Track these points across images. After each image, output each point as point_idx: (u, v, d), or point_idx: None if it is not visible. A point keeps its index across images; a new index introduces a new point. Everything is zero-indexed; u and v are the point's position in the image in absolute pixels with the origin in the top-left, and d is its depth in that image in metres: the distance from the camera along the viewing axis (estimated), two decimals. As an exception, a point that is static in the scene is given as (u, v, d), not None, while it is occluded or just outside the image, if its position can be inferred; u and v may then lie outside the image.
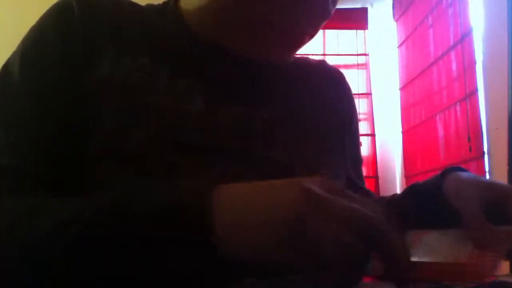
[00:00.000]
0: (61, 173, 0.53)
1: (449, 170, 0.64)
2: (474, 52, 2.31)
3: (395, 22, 3.28)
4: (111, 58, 0.57)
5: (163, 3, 0.68)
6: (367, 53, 3.31)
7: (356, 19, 3.30)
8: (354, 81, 3.15)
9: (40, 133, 0.54)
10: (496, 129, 2.12)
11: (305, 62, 0.76)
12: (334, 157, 0.67)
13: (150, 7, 0.66)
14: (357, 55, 3.28)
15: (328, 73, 0.76)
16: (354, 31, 3.33)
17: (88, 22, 0.58)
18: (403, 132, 3.06)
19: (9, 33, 2.52)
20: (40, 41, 0.58)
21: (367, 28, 3.33)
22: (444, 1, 2.61)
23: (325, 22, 0.64)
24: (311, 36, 0.64)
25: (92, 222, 0.42)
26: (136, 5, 0.65)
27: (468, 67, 2.34)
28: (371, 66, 3.28)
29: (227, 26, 0.61)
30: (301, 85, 0.70)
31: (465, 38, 2.37)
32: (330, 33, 3.28)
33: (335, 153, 0.68)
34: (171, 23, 0.64)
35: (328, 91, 0.73)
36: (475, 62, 2.30)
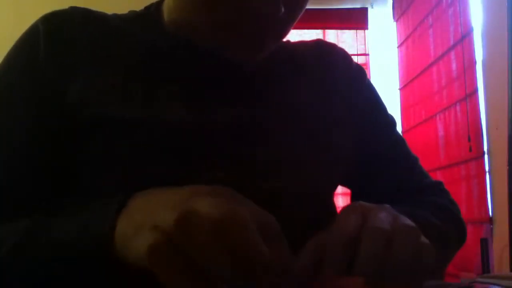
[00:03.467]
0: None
1: None
2: (474, 52, 2.30)
3: (395, 22, 3.28)
4: (83, 81, 0.57)
5: (145, 7, 0.67)
6: (367, 53, 3.31)
7: (356, 19, 3.30)
8: (354, 81, 3.14)
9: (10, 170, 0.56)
10: (496, 129, 2.12)
11: (300, 46, 0.72)
12: (328, 153, 0.63)
13: (130, 15, 0.66)
14: (357, 55, 3.28)
15: (324, 53, 0.72)
16: (354, 31, 3.32)
17: (56, 49, 0.58)
18: (403, 132, 3.05)
19: (9, 33, 2.52)
20: (6, 80, 0.59)
21: (367, 28, 3.32)
22: (444, 1, 2.61)
23: (306, 4, 0.60)
24: (294, 21, 0.61)
25: (6, 254, 0.46)
26: (111, 16, 0.64)
27: (468, 67, 2.33)
28: (371, 66, 3.28)
29: (205, 36, 0.59)
30: (295, 75, 0.67)
31: (465, 38, 2.37)
32: (330, 33, 3.28)
33: (328, 148, 0.64)
34: (150, 29, 0.63)
35: (324, 73, 0.69)
36: (475, 62, 2.30)
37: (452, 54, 2.49)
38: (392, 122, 0.76)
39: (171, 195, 0.40)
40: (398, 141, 0.75)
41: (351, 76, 0.72)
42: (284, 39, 0.64)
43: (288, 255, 0.39)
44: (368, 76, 0.75)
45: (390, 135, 0.74)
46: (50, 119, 0.56)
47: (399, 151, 0.74)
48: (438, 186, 0.75)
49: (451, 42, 2.50)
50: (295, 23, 0.61)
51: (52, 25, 0.59)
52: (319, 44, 0.73)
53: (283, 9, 0.55)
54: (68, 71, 0.57)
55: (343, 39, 3.30)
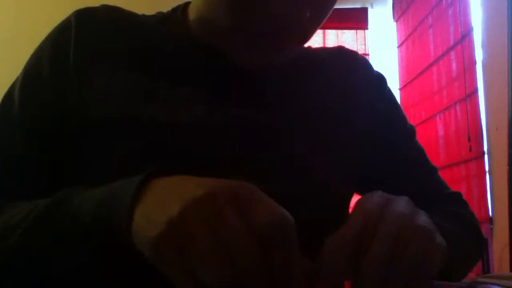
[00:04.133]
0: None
1: None
2: (474, 52, 2.31)
3: (395, 22, 3.28)
4: (106, 74, 0.58)
5: (172, 9, 0.68)
6: (367, 53, 3.31)
7: (356, 19, 3.31)
8: (354, 81, 3.15)
9: (25, 162, 0.57)
10: (496, 129, 2.12)
11: (321, 52, 0.72)
12: (340, 158, 0.63)
13: (156, 15, 0.67)
14: (357, 55, 3.28)
15: (344, 59, 0.71)
16: (354, 31, 3.33)
17: (85, 41, 0.59)
18: (403, 132, 3.05)
19: (9, 32, 2.52)
20: (35, 72, 0.60)
21: (367, 28, 3.33)
22: (444, 1, 2.61)
23: (332, 9, 0.60)
24: (319, 25, 0.60)
25: (28, 231, 0.46)
26: (138, 16, 0.65)
27: (468, 67, 2.34)
28: (371, 66, 3.28)
29: (227, 39, 0.59)
30: (313, 80, 0.67)
31: (465, 38, 2.37)
32: (330, 33, 3.28)
33: (341, 154, 0.63)
34: (175, 31, 0.64)
35: (344, 79, 0.69)
36: (475, 62, 2.30)
37: (452, 54, 2.50)
38: (412, 130, 0.75)
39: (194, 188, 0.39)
40: (418, 150, 0.74)
41: (372, 84, 0.72)
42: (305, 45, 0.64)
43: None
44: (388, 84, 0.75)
45: (409, 144, 0.74)
46: (66, 116, 0.57)
47: (418, 160, 0.74)
48: (457, 197, 0.74)
49: (451, 42, 2.50)
50: (320, 26, 0.61)
51: (84, 19, 0.61)
52: (340, 51, 0.73)
53: (308, 14, 0.55)
54: (92, 67, 0.58)
55: (343, 39, 3.30)
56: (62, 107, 0.57)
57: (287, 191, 0.56)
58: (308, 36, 0.61)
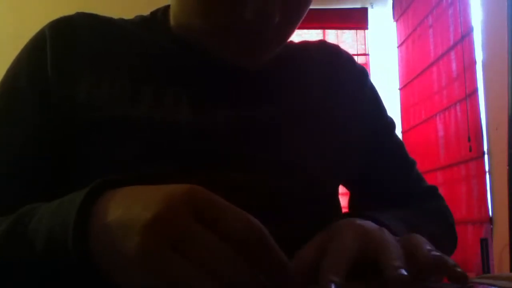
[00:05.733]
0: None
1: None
2: (474, 52, 2.31)
3: (395, 22, 3.28)
4: (89, 82, 0.57)
5: (151, 13, 0.68)
6: (367, 53, 3.31)
7: (356, 19, 3.30)
8: (354, 81, 3.15)
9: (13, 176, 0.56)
10: (496, 129, 2.12)
11: (304, 47, 0.72)
12: (331, 153, 0.63)
13: (134, 20, 0.67)
14: (357, 55, 3.28)
15: (328, 54, 0.72)
16: (354, 31, 3.33)
17: (62, 55, 0.58)
18: (403, 132, 3.06)
19: (9, 33, 2.52)
20: (12, 86, 0.59)
21: (367, 28, 3.33)
22: (444, 1, 2.61)
23: (308, 8, 0.60)
24: (295, 26, 0.61)
25: None
26: (115, 21, 0.65)
27: (468, 67, 2.34)
28: (371, 66, 3.28)
29: (208, 40, 0.59)
30: (299, 75, 0.67)
31: (465, 38, 2.37)
32: (330, 33, 3.28)
33: (332, 148, 0.64)
34: (156, 34, 0.64)
35: (329, 73, 0.69)
36: (475, 62, 2.30)
37: (452, 54, 2.50)
38: (392, 124, 0.76)
39: (150, 196, 0.38)
40: (397, 144, 0.75)
41: (355, 77, 0.72)
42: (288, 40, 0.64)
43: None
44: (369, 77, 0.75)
45: (389, 138, 0.75)
46: (54, 126, 0.56)
47: (397, 154, 0.75)
48: (433, 191, 0.76)
49: (451, 42, 2.50)
50: (298, 25, 0.61)
51: (58, 31, 0.60)
52: (323, 45, 0.73)
53: (277, 18, 0.55)
54: (74, 76, 0.58)
55: (343, 39, 3.30)
56: (43, 124, 0.57)
57: (278, 188, 0.57)
58: (285, 37, 0.61)
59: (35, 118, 0.57)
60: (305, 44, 0.73)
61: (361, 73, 0.74)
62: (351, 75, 0.72)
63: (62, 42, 0.59)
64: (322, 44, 0.73)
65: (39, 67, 0.58)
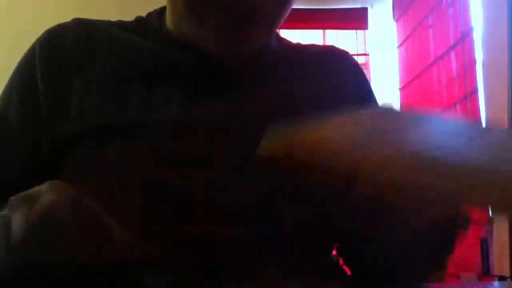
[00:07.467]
0: None
1: None
2: (474, 52, 2.31)
3: (395, 22, 3.28)
4: (80, 90, 0.59)
5: (147, 14, 0.69)
6: (367, 53, 3.31)
7: (356, 19, 3.30)
8: (354, 81, 3.15)
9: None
10: (496, 129, 2.12)
11: (311, 48, 0.72)
12: None
13: (131, 22, 0.68)
14: (357, 55, 3.28)
15: (334, 59, 0.72)
16: (354, 31, 3.33)
17: (51, 67, 0.60)
18: (403, 132, 3.05)
19: (9, 33, 2.52)
20: (3, 107, 0.62)
21: (367, 28, 3.33)
22: (444, 1, 2.61)
23: None
24: (284, 9, 0.62)
25: None
26: (111, 25, 0.66)
27: (468, 67, 2.34)
28: (371, 66, 3.28)
29: (200, 23, 0.60)
30: (298, 74, 0.67)
31: (465, 38, 2.37)
32: (330, 33, 3.28)
33: None
34: (149, 34, 0.64)
35: (330, 73, 0.69)
36: (475, 62, 2.30)
37: (452, 54, 2.50)
38: None
39: None
40: None
41: (355, 80, 0.73)
42: (295, 42, 0.65)
43: None
44: (368, 78, 0.75)
45: None
46: (46, 139, 0.58)
47: None
48: None
49: (451, 42, 2.50)
50: (286, 13, 0.62)
51: (47, 45, 0.62)
52: (331, 49, 0.74)
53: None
54: (64, 88, 0.59)
55: (343, 39, 3.30)
56: (29, 147, 0.59)
57: (271, 186, 0.57)
58: (273, 22, 0.62)
59: (26, 135, 0.59)
60: (312, 46, 0.74)
61: (361, 75, 0.74)
62: (352, 78, 0.72)
63: (50, 55, 0.61)
64: (329, 48, 0.74)
65: (30, 84, 0.60)
